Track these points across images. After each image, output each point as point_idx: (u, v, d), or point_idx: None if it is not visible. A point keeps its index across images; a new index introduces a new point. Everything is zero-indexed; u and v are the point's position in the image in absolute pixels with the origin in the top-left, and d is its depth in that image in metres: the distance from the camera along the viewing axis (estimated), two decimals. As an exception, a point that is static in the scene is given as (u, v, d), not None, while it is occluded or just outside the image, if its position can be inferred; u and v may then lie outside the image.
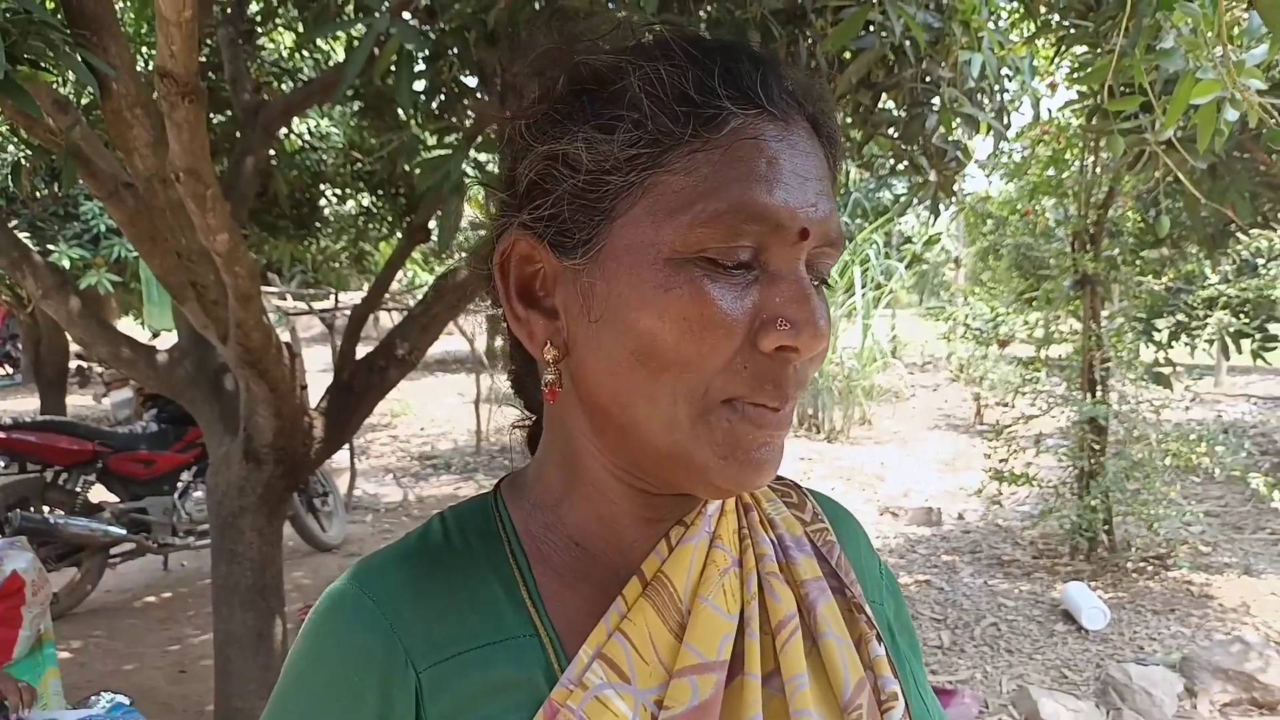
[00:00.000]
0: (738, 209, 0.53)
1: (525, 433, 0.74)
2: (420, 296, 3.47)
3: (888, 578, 0.74)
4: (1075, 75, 3.39)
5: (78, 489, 4.90)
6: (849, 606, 0.65)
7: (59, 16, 2.00)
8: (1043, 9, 2.64)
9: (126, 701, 2.77)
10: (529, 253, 0.60)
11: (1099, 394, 4.98)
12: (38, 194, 6.00)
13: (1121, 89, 2.27)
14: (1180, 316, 5.69)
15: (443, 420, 10.67)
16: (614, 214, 0.56)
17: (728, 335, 0.54)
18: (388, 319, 10.69)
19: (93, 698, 2.83)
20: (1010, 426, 5.34)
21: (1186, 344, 5.63)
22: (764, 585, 0.62)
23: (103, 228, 6.43)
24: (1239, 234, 4.98)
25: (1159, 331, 5.60)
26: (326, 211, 5.38)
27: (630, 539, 0.62)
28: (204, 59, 3.52)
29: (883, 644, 0.64)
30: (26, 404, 11.53)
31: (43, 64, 1.84)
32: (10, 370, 15.30)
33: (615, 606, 0.59)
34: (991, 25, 2.53)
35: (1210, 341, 5.40)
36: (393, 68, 1.89)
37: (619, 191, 0.56)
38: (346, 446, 6.93)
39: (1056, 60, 3.26)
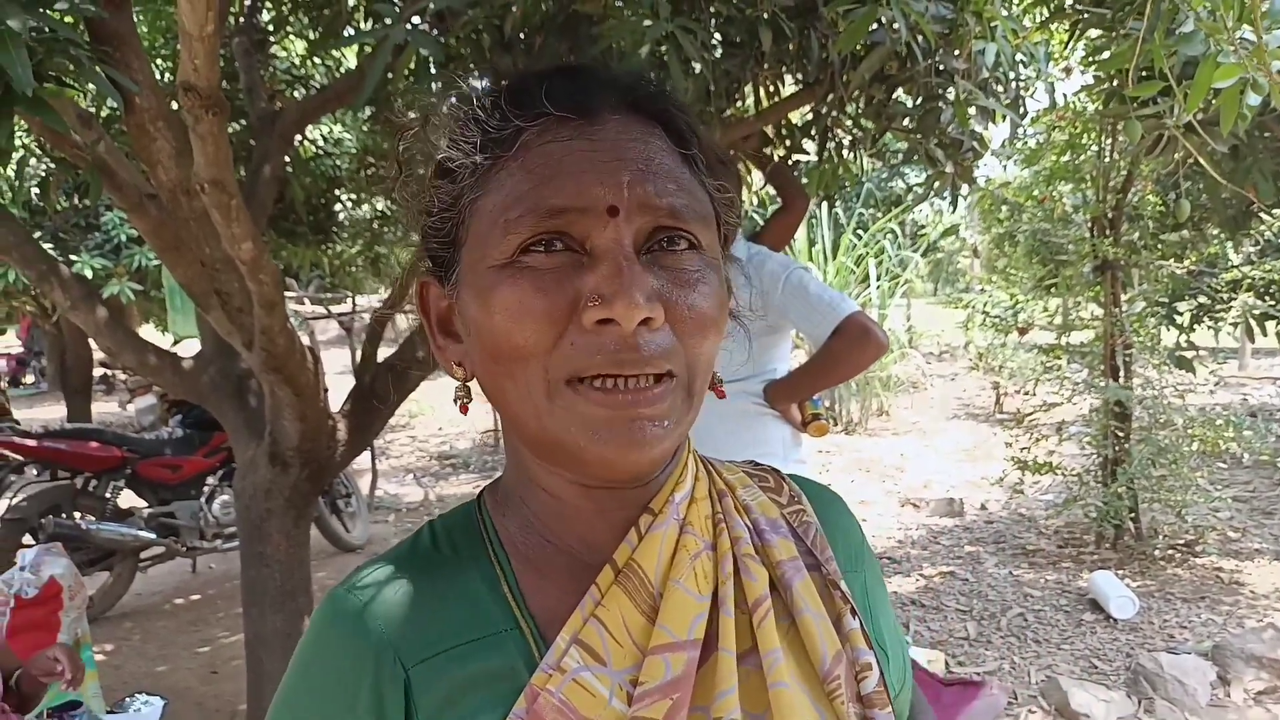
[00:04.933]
0: (533, 208, 0.59)
1: None
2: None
3: (865, 543, 0.78)
4: (1091, 59, 3.36)
5: (107, 495, 4.96)
6: (825, 583, 0.69)
7: (83, 34, 2.03)
8: (1057, -6, 2.63)
9: (159, 703, 2.81)
10: (438, 292, 0.68)
11: (1122, 380, 4.95)
12: (58, 206, 6.07)
13: (1140, 73, 2.25)
14: (1203, 299, 5.64)
15: (460, 419, 10.71)
16: (460, 242, 0.64)
17: (546, 317, 0.58)
18: (405, 321, 10.74)
19: (127, 699, 2.88)
20: (1032, 414, 5.31)
21: (1210, 327, 5.59)
22: (739, 566, 0.66)
23: (123, 237, 6.51)
24: (1261, 215, 4.93)
25: (1180, 315, 5.56)
26: (342, 216, 5.42)
27: (595, 532, 0.65)
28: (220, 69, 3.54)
29: (857, 618, 0.68)
30: (53, 412, 11.66)
31: (67, 81, 1.87)
32: (35, 379, 15.49)
33: (590, 594, 0.62)
34: (1004, 12, 2.52)
35: (1235, 324, 5.35)
36: (408, 75, 1.91)
37: (458, 222, 0.64)
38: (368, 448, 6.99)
39: (1071, 44, 3.23)
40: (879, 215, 10.68)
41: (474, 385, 0.69)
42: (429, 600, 0.64)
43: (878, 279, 9.49)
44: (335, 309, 7.68)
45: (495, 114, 0.62)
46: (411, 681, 0.61)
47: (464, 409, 0.70)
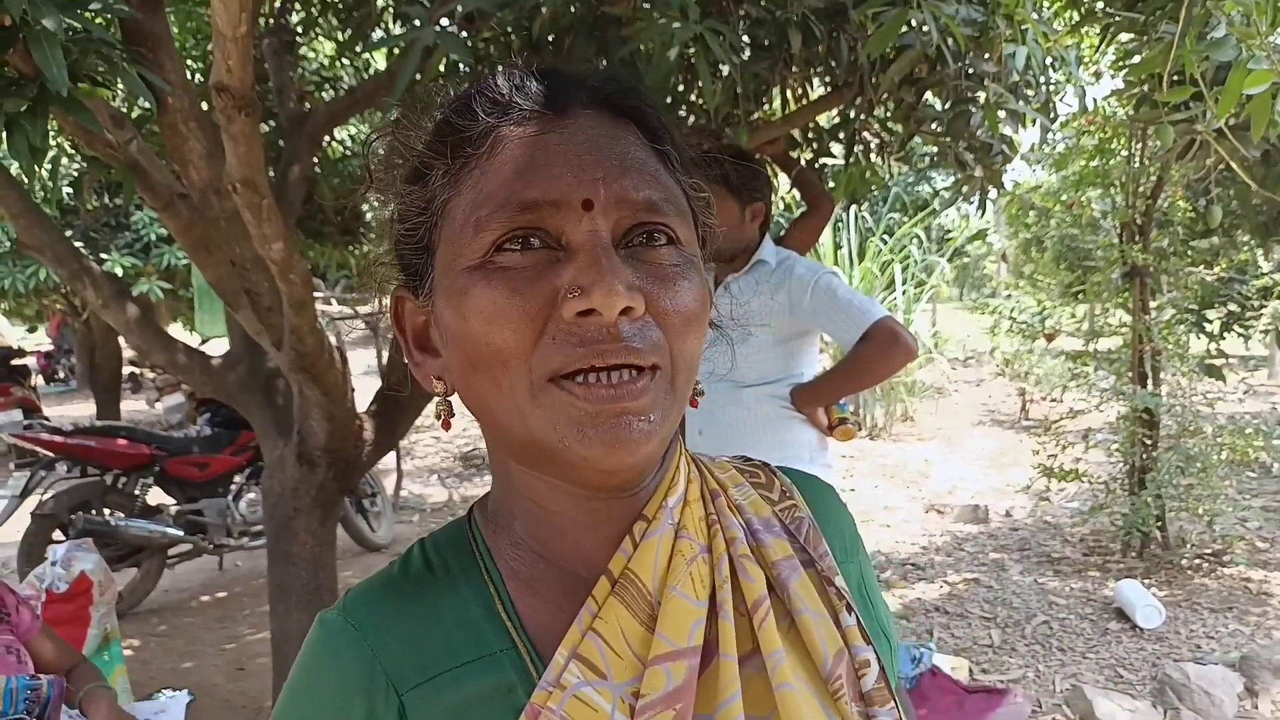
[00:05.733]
0: (505, 204, 0.57)
1: None
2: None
3: (856, 532, 0.76)
4: (1121, 64, 3.33)
5: (136, 492, 5.02)
6: (821, 580, 0.67)
7: (116, 34, 2.06)
8: (1088, -2, 2.61)
9: (186, 698, 2.84)
10: (413, 306, 0.66)
11: (1150, 387, 4.89)
12: (90, 205, 6.16)
13: (1172, 78, 2.23)
14: (1232, 307, 5.56)
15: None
16: (433, 246, 0.62)
17: (523, 316, 0.56)
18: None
19: (154, 695, 2.91)
20: (1059, 421, 5.26)
21: (1240, 335, 5.51)
22: (736, 568, 0.64)
23: (153, 236, 6.60)
24: (1294, 222, 4.86)
25: (1210, 322, 5.48)
26: (369, 217, 5.46)
27: (587, 544, 0.63)
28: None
29: (853, 613, 0.66)
30: (82, 409, 11.82)
31: (101, 80, 1.90)
32: (65, 376, 15.72)
33: (586, 607, 0.61)
34: (1035, 16, 2.50)
35: (1265, 332, 5.27)
36: (438, 78, 1.93)
37: (429, 227, 0.62)
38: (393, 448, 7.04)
39: (1101, 48, 3.21)
40: (905, 219, 10.62)
41: (456, 400, 0.67)
42: (422, 623, 0.62)
43: (903, 284, 9.43)
44: (361, 309, 7.73)
45: (466, 114, 0.61)
46: (406, 708, 0.59)
47: (446, 425, 0.68)
